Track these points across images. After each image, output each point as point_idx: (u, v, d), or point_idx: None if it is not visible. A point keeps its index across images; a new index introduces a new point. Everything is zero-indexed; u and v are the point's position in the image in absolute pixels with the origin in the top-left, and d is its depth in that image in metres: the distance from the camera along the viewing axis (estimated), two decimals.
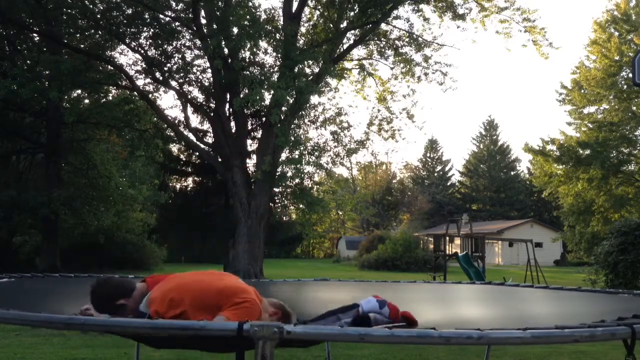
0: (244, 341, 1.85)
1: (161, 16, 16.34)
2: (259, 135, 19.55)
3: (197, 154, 23.42)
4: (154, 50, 16.95)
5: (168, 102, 73.63)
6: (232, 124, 17.68)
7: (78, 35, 17.48)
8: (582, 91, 23.87)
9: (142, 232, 24.16)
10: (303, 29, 18.46)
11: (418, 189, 55.90)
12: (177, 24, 16.74)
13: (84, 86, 16.50)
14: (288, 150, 16.12)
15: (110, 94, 19.50)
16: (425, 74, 19.04)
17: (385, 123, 19.71)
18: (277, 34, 15.80)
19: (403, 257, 28.04)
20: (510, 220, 46.15)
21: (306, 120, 18.73)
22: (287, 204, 25.55)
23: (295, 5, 16.86)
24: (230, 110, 17.13)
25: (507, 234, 38.71)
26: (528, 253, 17.37)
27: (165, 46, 16.81)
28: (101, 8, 16.03)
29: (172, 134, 18.80)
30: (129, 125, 18.27)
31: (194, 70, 17.90)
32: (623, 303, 3.58)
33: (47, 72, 14.89)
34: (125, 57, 48.65)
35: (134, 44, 16.93)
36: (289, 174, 16.63)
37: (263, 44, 16.18)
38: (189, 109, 18.60)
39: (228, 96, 16.90)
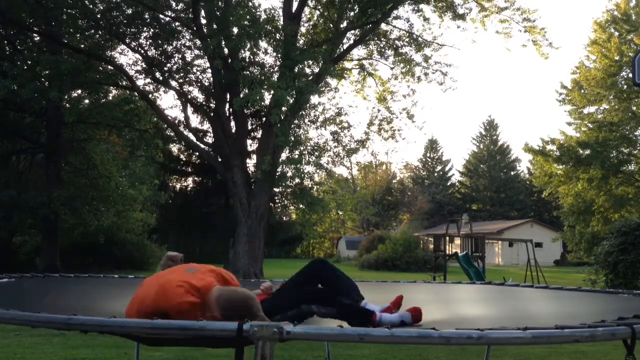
0: (243, 339, 1.84)
1: (161, 16, 16.34)
2: (259, 135, 19.56)
3: (197, 154, 23.43)
4: (154, 50, 16.96)
5: (168, 102, 73.79)
6: (232, 124, 17.69)
7: (78, 35, 17.46)
8: (582, 91, 23.85)
9: (142, 232, 24.15)
10: (303, 29, 18.47)
11: (418, 189, 55.88)
12: (177, 24, 16.74)
13: (84, 86, 16.50)
14: (288, 150, 16.13)
15: (110, 94, 19.51)
16: (425, 74, 19.05)
17: (385, 123, 19.72)
18: (277, 34, 15.80)
19: (403, 257, 28.02)
20: (510, 220, 46.12)
21: (306, 120, 18.74)
22: (287, 204, 25.57)
23: (295, 5, 16.86)
24: (230, 110, 17.13)
25: (507, 234, 38.69)
26: (528, 253, 17.36)
27: (165, 46, 16.82)
28: (101, 8, 16.04)
29: (172, 134, 18.80)
30: (129, 125, 18.27)
31: (194, 70, 17.94)
32: (623, 303, 3.57)
33: (47, 72, 14.90)
34: (125, 57, 48.70)
35: (134, 44, 16.93)
36: (289, 174, 16.63)
37: (263, 44, 16.19)
38: (189, 109, 18.63)
39: (228, 96, 16.91)
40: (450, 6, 18.06)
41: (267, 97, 15.82)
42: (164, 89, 18.28)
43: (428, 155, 60.86)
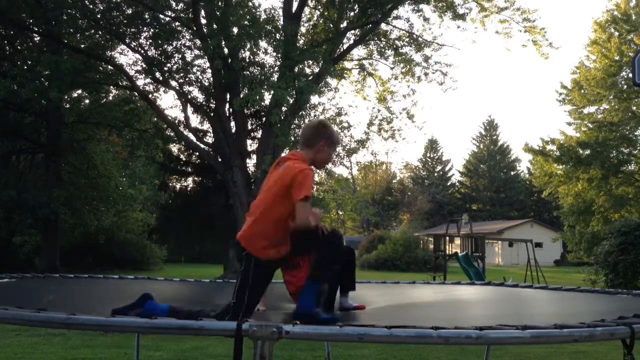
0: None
1: (161, 16, 16.35)
2: (259, 135, 19.55)
3: (197, 154, 23.43)
4: (154, 50, 16.95)
5: (168, 102, 73.50)
6: (232, 124, 17.69)
7: (78, 35, 17.47)
8: (582, 91, 23.82)
9: (142, 232, 24.16)
10: (303, 29, 18.46)
11: (418, 189, 55.86)
12: (177, 24, 16.74)
13: (84, 86, 16.51)
14: (288, 151, 16.12)
15: (110, 94, 19.51)
16: (425, 74, 19.04)
17: (385, 123, 19.70)
18: (277, 34, 15.80)
19: (403, 257, 28.02)
20: (510, 220, 46.12)
21: (306, 120, 18.72)
22: None
23: (295, 5, 16.86)
24: (230, 110, 17.13)
25: (507, 234, 38.70)
26: (528, 253, 17.37)
27: (165, 46, 16.82)
28: (101, 8, 16.04)
29: (172, 134, 18.80)
30: (129, 125, 18.28)
31: (194, 70, 17.93)
32: (623, 303, 3.58)
33: (47, 72, 14.91)
34: (125, 57, 48.60)
35: (134, 44, 16.94)
36: None
37: (263, 44, 16.20)
38: (189, 109, 18.62)
39: (228, 96, 16.90)
40: (450, 6, 18.06)
41: (267, 97, 15.82)
42: (164, 89, 18.29)
43: (428, 155, 60.86)
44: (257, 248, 2.88)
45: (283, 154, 3.20)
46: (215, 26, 15.21)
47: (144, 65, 17.05)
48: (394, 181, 55.84)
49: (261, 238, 2.88)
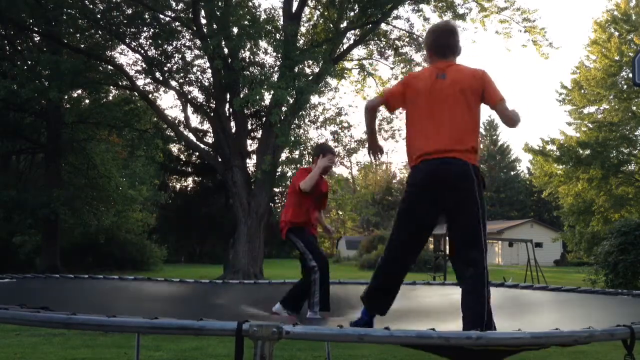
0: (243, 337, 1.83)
1: (161, 16, 16.35)
2: (259, 135, 19.56)
3: (197, 154, 23.43)
4: (154, 50, 16.96)
5: (168, 102, 73.49)
6: (232, 124, 17.69)
7: (78, 35, 17.48)
8: (582, 91, 23.80)
9: (142, 232, 24.16)
10: (303, 29, 18.46)
11: None
12: (177, 24, 16.74)
13: (84, 86, 16.52)
14: (288, 150, 16.13)
15: (110, 94, 19.51)
16: None
17: (385, 123, 19.70)
18: (277, 34, 15.80)
19: None
20: (510, 220, 46.09)
21: (306, 120, 18.74)
22: None
23: (295, 5, 16.86)
24: (230, 110, 17.13)
25: (507, 234, 38.67)
26: (528, 253, 17.35)
27: (165, 46, 16.83)
28: (101, 8, 16.05)
29: (172, 134, 18.80)
30: (129, 125, 18.28)
31: (194, 70, 17.94)
32: (623, 303, 3.58)
33: (47, 72, 14.91)
34: (125, 57, 48.69)
35: (134, 44, 16.94)
36: (289, 174, 16.63)
37: (263, 44, 16.20)
38: (189, 109, 18.62)
39: (228, 96, 16.91)
40: (450, 6, 18.04)
41: (267, 97, 15.83)
42: (164, 89, 18.29)
43: None
44: (473, 153, 2.65)
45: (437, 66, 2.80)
46: (215, 26, 15.21)
47: (144, 65, 17.06)
48: (394, 181, 55.82)
49: (475, 142, 2.69)
